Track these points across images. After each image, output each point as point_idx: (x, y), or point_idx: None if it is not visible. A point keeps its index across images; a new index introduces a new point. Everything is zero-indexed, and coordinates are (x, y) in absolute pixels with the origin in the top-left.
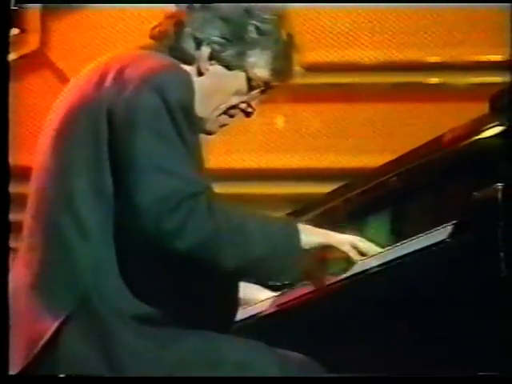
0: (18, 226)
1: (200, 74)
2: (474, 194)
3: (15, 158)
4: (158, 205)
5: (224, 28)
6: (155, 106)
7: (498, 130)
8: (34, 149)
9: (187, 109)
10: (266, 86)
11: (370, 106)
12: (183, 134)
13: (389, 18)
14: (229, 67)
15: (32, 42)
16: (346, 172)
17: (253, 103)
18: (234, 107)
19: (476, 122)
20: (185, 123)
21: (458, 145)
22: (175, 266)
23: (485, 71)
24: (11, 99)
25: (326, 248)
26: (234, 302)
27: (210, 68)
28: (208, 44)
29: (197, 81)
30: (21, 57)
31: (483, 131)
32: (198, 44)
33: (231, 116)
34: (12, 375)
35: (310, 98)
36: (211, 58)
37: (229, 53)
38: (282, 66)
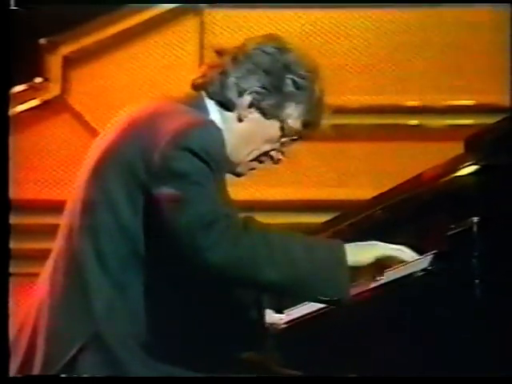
0: (18, 254)
1: (240, 120)
2: (452, 226)
3: (43, 193)
4: (194, 222)
5: (265, 79)
6: (187, 158)
7: (472, 168)
8: (59, 185)
9: (214, 156)
10: (296, 136)
11: (356, 145)
12: (213, 175)
13: (373, 65)
14: (266, 116)
15: (53, 89)
16: (335, 204)
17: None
18: (264, 154)
19: (453, 161)
20: (213, 166)
21: (437, 182)
22: (199, 296)
23: (459, 114)
24: (33, 142)
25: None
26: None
27: (249, 115)
28: (250, 93)
29: (237, 126)
30: (43, 102)
31: (459, 169)
32: (241, 92)
33: (261, 162)
34: (12, 377)
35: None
36: (251, 105)
37: (268, 102)
38: (312, 119)
